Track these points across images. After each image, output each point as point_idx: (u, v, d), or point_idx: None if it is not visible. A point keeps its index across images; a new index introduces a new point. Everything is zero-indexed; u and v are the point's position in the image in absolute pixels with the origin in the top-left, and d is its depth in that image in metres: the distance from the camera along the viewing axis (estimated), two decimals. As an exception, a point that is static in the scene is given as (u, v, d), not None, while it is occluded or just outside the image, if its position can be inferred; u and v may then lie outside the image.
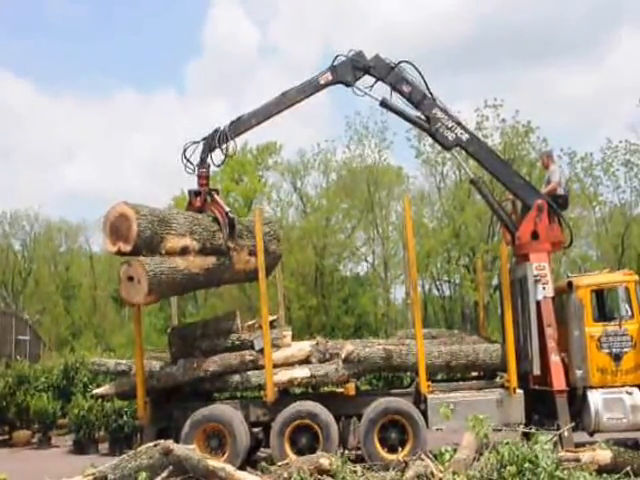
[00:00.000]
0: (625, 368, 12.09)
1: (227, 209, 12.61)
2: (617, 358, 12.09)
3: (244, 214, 36.21)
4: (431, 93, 13.15)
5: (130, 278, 11.02)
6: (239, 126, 13.01)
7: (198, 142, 12.90)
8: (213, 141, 12.81)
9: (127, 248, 11.12)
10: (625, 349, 12.11)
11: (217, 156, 13.14)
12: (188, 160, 12.97)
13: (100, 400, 16.14)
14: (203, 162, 12.85)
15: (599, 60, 67.90)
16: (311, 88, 13.08)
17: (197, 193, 12.81)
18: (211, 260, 12.29)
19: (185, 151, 12.92)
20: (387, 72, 13.14)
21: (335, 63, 13.08)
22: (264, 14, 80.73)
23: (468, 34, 63.20)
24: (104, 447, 16.97)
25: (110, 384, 13.55)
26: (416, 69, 13.10)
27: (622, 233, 36.29)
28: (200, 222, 12.28)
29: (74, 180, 73.20)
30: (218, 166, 13.66)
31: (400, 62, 13.19)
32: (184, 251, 11.79)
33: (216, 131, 12.85)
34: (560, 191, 13.49)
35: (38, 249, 47.68)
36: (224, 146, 12.90)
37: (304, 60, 72.53)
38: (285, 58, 74.65)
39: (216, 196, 12.82)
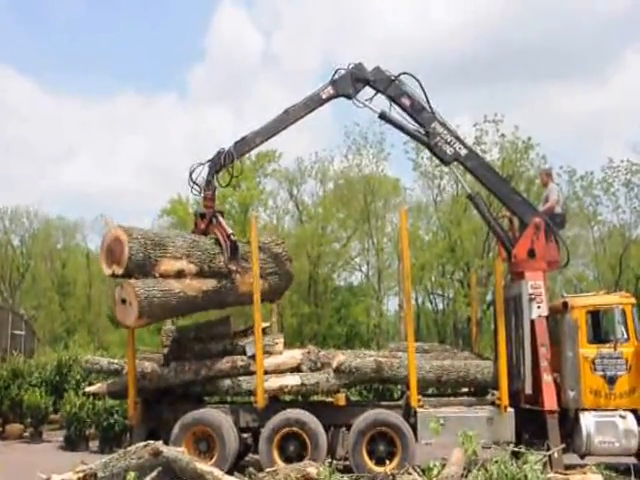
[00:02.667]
0: (619, 391, 12.04)
1: (230, 231, 12.53)
2: (611, 381, 12.06)
3: (240, 220, 36.26)
4: (431, 107, 13.17)
5: (123, 300, 11.18)
6: (244, 146, 13.04)
7: (204, 164, 12.94)
8: (218, 162, 12.82)
9: (119, 271, 11.29)
10: (619, 372, 12.07)
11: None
12: (194, 182, 13.06)
13: (92, 398, 16.18)
14: (209, 184, 12.85)
15: (603, 80, 68.29)
16: (313, 103, 13.10)
17: (203, 215, 12.85)
18: (211, 283, 12.25)
19: (191, 173, 13.00)
20: (387, 85, 13.16)
21: (335, 77, 13.13)
22: (268, 22, 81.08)
23: (471, 50, 63.56)
24: (94, 444, 16.97)
25: (102, 382, 13.57)
26: (417, 81, 13.12)
27: (620, 254, 36.20)
28: (200, 245, 12.26)
29: (73, 178, 73.33)
30: (224, 187, 13.70)
31: (400, 74, 13.20)
32: (180, 274, 11.80)
33: (220, 152, 12.86)
34: (558, 210, 13.52)
35: (36, 245, 47.72)
36: (230, 166, 12.92)
37: (306, 70, 72.87)
38: (287, 67, 74.95)
39: (220, 218, 12.77)
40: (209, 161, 12.91)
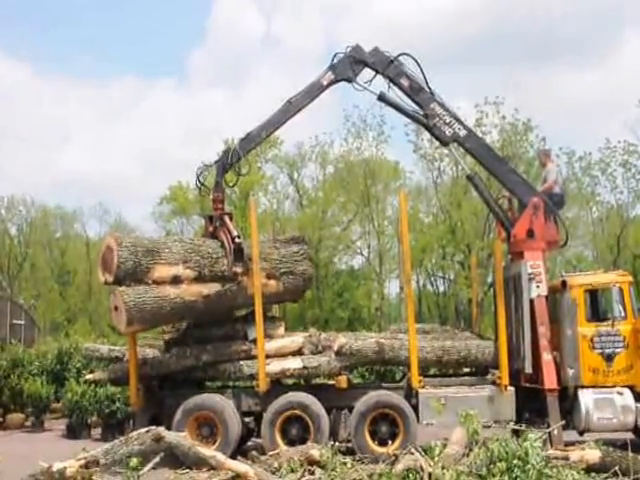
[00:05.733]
0: (617, 369, 12.13)
1: (234, 234, 12.41)
2: (609, 358, 12.14)
3: (241, 205, 36.22)
4: (429, 87, 13.12)
5: (115, 307, 11.31)
6: (249, 142, 13.05)
7: (211, 165, 12.92)
8: (226, 161, 12.79)
9: (110, 279, 11.40)
10: (617, 349, 12.15)
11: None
12: (202, 184, 13.06)
13: (93, 385, 16.21)
14: (218, 185, 12.83)
15: (602, 61, 67.95)
16: (315, 90, 13.05)
17: (212, 218, 12.82)
18: (214, 287, 12.17)
19: (199, 176, 13.00)
20: (386, 65, 13.10)
21: (334, 61, 13.07)
22: (268, 3, 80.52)
23: (473, 31, 63.21)
24: (96, 432, 17.02)
25: (103, 370, 13.60)
26: (415, 61, 13.07)
27: (618, 234, 36.30)
28: (200, 249, 12.18)
29: (71, 165, 73.14)
30: (232, 186, 13.65)
31: (399, 55, 13.16)
32: (175, 280, 11.78)
33: (227, 151, 12.88)
34: (556, 190, 13.50)
35: (34, 234, 47.57)
36: (237, 165, 12.89)
37: (307, 51, 72.55)
38: (288, 49, 74.59)
39: (227, 220, 12.67)
40: (216, 162, 12.92)
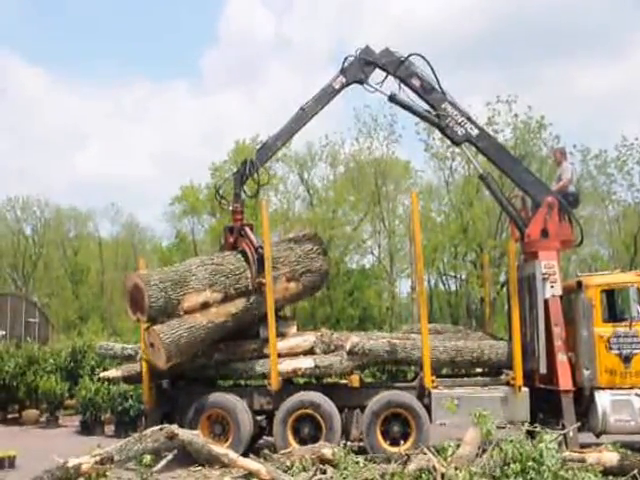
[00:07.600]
0: (635, 370, 11.96)
1: (257, 245, 12.45)
2: (627, 359, 11.97)
3: (251, 205, 36.22)
4: (441, 87, 13.08)
5: (152, 344, 11.43)
6: (266, 152, 13.14)
7: (229, 178, 13.00)
8: (244, 173, 12.83)
9: (143, 318, 11.58)
10: (635, 350, 11.97)
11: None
12: (222, 197, 13.13)
13: (106, 383, 16.29)
14: (237, 197, 12.89)
15: (618, 57, 67.40)
16: (327, 95, 13.07)
17: (232, 229, 12.85)
18: (240, 303, 12.30)
19: (218, 189, 13.13)
20: (397, 66, 13.07)
21: (345, 65, 13.06)
22: (280, 4, 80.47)
23: (486, 28, 62.95)
24: (110, 429, 17.10)
25: (117, 368, 13.64)
26: (426, 61, 13.04)
27: (635, 233, 35.90)
28: (223, 270, 12.24)
29: (84, 167, 73.40)
30: (251, 197, 13.71)
31: (410, 55, 13.12)
32: (205, 305, 11.89)
33: (244, 163, 12.92)
34: (571, 189, 13.42)
35: (48, 234, 47.98)
36: (255, 175, 12.93)
37: (319, 52, 72.47)
38: (300, 49, 74.54)
39: (248, 231, 12.73)
40: (235, 174, 13.02)
